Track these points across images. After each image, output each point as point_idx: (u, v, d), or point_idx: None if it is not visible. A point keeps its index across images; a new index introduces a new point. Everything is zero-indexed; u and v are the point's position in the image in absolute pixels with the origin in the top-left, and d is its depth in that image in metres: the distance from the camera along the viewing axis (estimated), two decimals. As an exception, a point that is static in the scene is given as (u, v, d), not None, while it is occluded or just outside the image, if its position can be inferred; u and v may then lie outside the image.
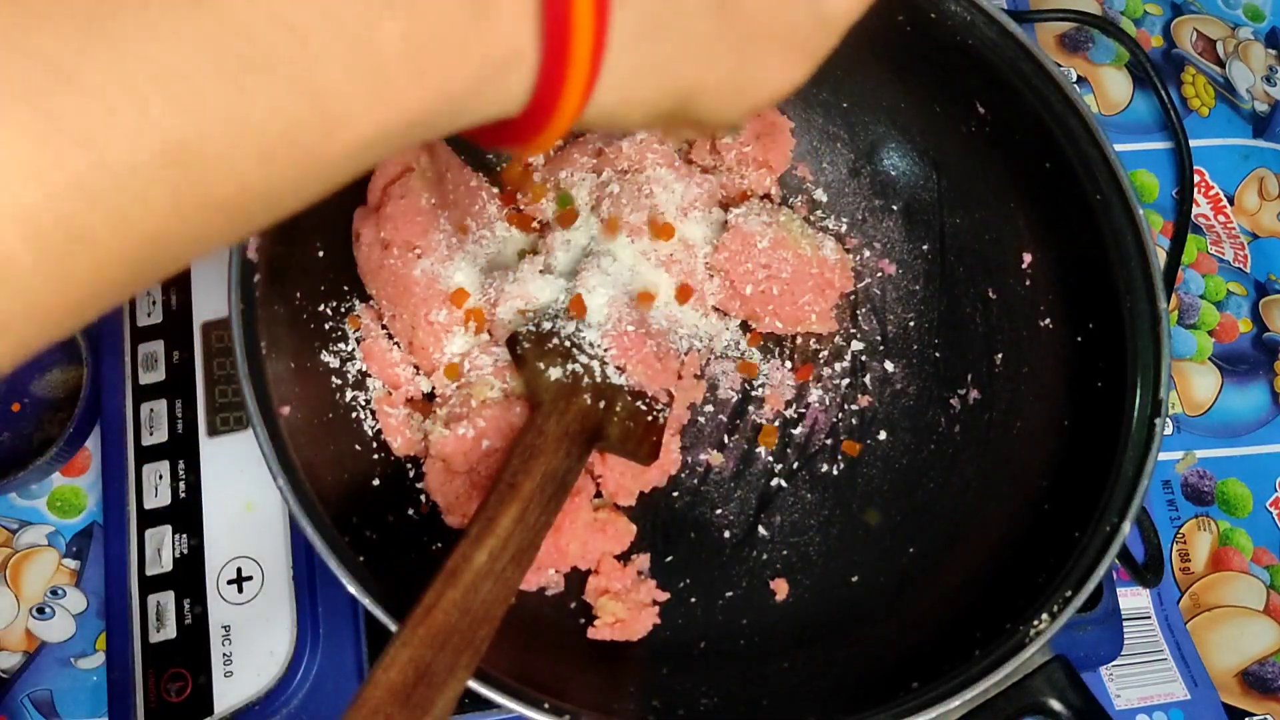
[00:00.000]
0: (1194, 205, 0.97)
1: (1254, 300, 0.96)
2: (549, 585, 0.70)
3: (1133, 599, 0.85)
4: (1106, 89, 1.01)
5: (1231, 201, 0.99)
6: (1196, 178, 0.98)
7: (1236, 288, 0.96)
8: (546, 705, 0.56)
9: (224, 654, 0.71)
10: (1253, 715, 0.83)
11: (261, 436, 0.59)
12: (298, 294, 0.68)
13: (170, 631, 0.71)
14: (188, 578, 0.73)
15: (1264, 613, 0.87)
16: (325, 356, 0.70)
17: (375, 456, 0.70)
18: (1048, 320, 0.71)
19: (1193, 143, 0.96)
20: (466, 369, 0.70)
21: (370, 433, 0.70)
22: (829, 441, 0.76)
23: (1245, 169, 1.00)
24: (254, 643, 0.71)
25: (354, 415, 0.70)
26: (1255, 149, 1.01)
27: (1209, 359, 0.93)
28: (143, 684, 0.70)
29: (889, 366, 0.78)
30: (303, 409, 0.64)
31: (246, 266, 0.61)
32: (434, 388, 0.72)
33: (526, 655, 0.63)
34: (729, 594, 0.72)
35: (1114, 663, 0.80)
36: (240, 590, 0.72)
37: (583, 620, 0.69)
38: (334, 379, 0.70)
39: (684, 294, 0.75)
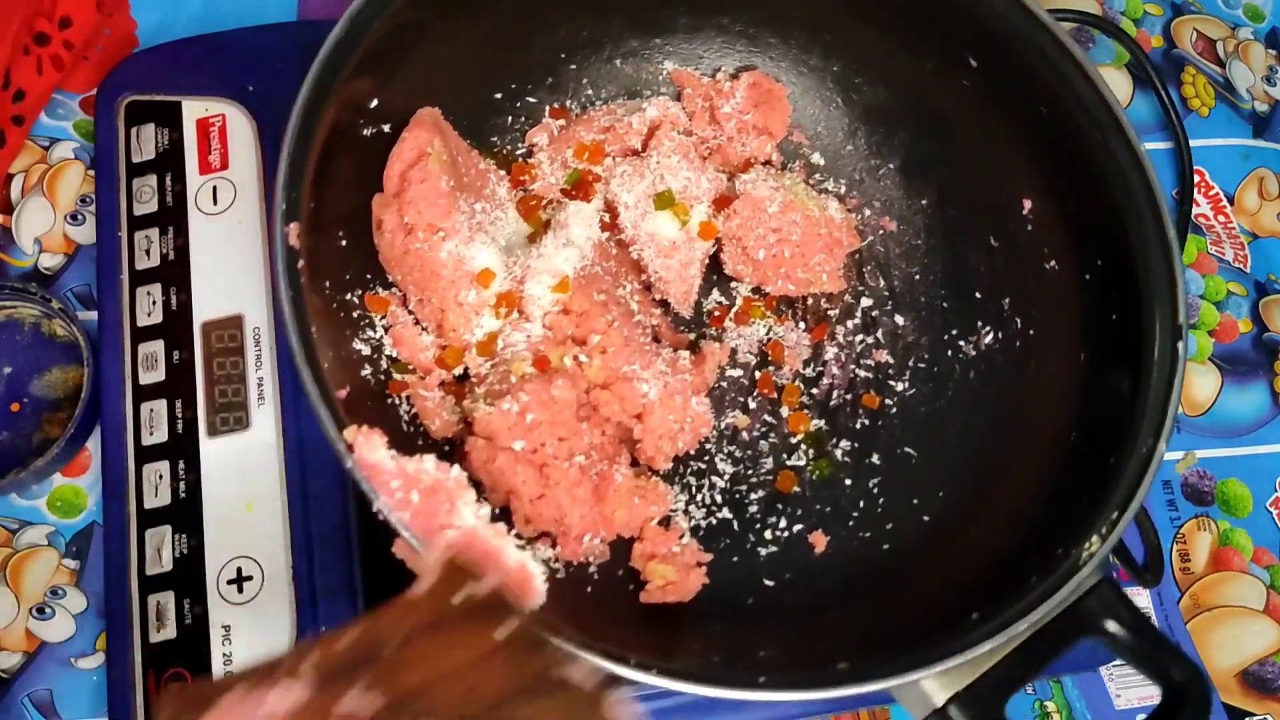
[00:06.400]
0: (1194, 205, 0.98)
1: (1254, 300, 0.97)
2: (595, 555, 0.70)
3: (1133, 599, 0.84)
4: (1107, 89, 1.02)
5: (1231, 201, 1.00)
6: (1196, 178, 0.99)
7: (1236, 288, 0.97)
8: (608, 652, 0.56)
9: (224, 654, 0.71)
10: (1253, 715, 0.85)
11: (326, 420, 0.58)
12: (326, 284, 0.67)
13: (170, 631, 0.72)
14: (188, 578, 0.73)
15: (1264, 613, 0.88)
16: (358, 345, 0.69)
17: (419, 442, 0.69)
18: (1053, 262, 0.73)
19: (1193, 143, 0.97)
20: (500, 346, 0.70)
21: (406, 417, 0.70)
22: (849, 396, 0.78)
23: (1245, 169, 1.01)
24: (254, 643, 0.71)
25: (389, 401, 0.70)
26: (1255, 149, 1.02)
27: (1209, 359, 0.95)
28: (143, 684, 0.71)
29: (899, 320, 0.80)
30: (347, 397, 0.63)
31: (291, 254, 0.60)
32: (466, 368, 0.72)
33: (583, 624, 0.63)
34: (765, 552, 0.74)
35: (1114, 663, 0.81)
36: (240, 590, 0.72)
37: (632, 587, 0.70)
38: (367, 366, 0.69)
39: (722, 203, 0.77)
